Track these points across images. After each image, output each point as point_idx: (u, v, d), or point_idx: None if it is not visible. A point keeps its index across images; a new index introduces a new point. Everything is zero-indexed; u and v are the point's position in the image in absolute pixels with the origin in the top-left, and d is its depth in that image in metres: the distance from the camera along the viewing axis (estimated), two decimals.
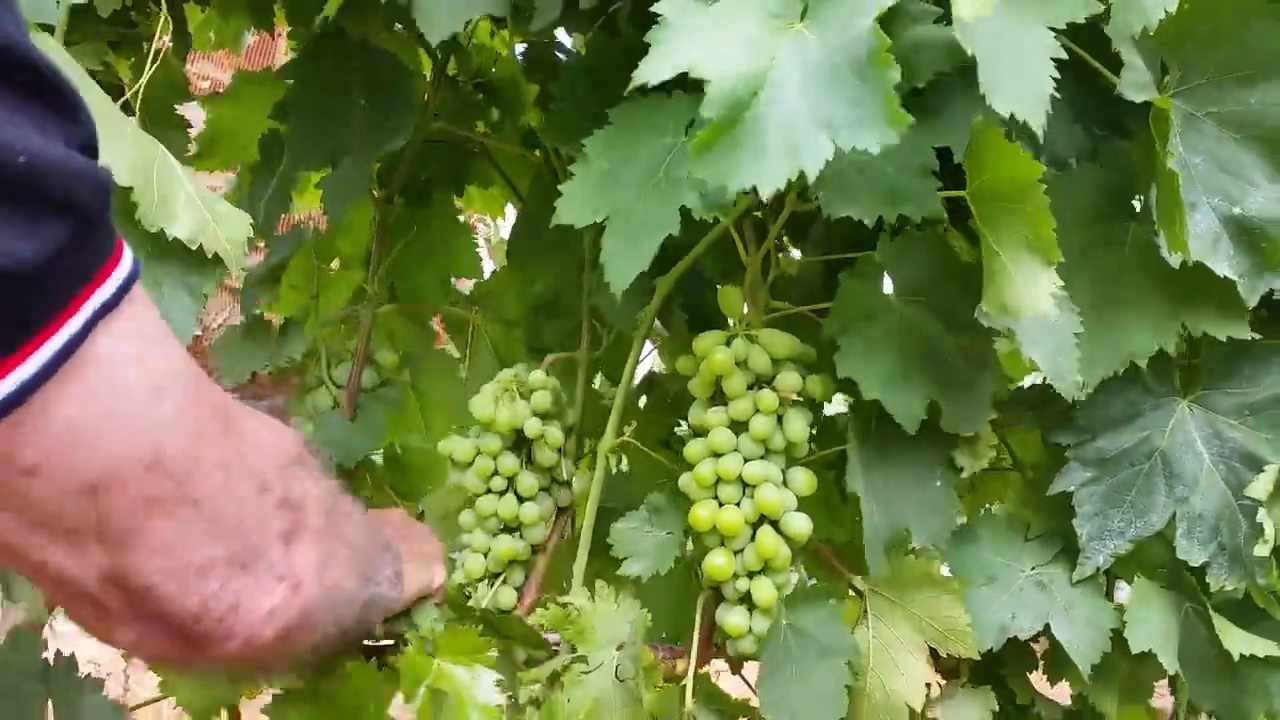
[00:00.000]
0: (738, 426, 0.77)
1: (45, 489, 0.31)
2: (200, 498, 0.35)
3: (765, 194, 0.51)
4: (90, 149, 0.31)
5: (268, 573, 0.38)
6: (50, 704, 0.71)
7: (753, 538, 0.76)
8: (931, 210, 0.64)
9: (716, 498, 0.76)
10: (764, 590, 0.75)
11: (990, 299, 0.61)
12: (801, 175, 0.50)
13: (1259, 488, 0.70)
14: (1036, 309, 0.58)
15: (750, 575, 0.76)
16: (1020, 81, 0.54)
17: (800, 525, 0.75)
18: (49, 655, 0.72)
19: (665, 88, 0.71)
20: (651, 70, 0.54)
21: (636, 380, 1.03)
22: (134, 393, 0.33)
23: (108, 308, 0.31)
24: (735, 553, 0.76)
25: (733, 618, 0.77)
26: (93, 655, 0.92)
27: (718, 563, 0.76)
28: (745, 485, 0.76)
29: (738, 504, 0.76)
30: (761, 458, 0.76)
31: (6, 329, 0.29)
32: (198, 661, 0.37)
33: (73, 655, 0.72)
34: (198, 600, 0.36)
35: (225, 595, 0.37)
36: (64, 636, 0.79)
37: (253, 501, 0.38)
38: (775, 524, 0.76)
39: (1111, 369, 0.72)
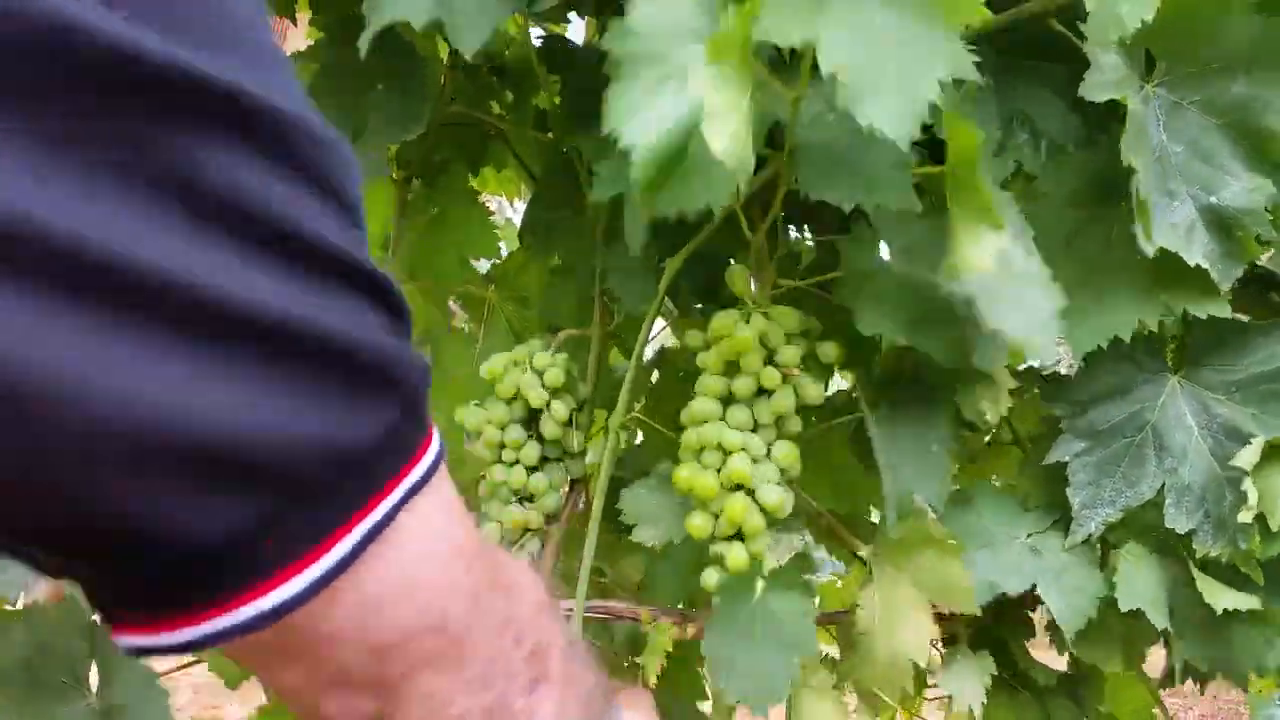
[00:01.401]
0: (735, 398, 0.79)
1: (335, 650, 0.33)
2: (469, 656, 0.36)
3: (718, 210, 0.53)
4: (407, 322, 0.33)
5: (517, 716, 0.39)
6: (94, 662, 0.75)
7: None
8: (906, 202, 0.66)
9: (699, 462, 0.79)
10: (735, 554, 0.77)
11: (947, 263, 0.63)
12: (792, 156, 0.53)
13: (1245, 457, 0.72)
14: (976, 266, 0.58)
15: (727, 540, 0.79)
16: (886, 100, 0.52)
17: (773, 497, 0.77)
18: (95, 616, 0.77)
19: None
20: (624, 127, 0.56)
21: (648, 356, 1.06)
22: (430, 566, 0.34)
23: (416, 488, 0.33)
24: (714, 516, 0.79)
25: (709, 576, 0.79)
26: None
27: (695, 522, 0.78)
28: (725, 453, 0.78)
29: (718, 470, 0.78)
30: (752, 430, 0.79)
31: (331, 508, 0.30)
32: None
33: None
34: None
35: None
36: None
37: (509, 657, 0.39)
38: (752, 493, 0.78)
39: (1096, 343, 0.74)
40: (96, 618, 0.77)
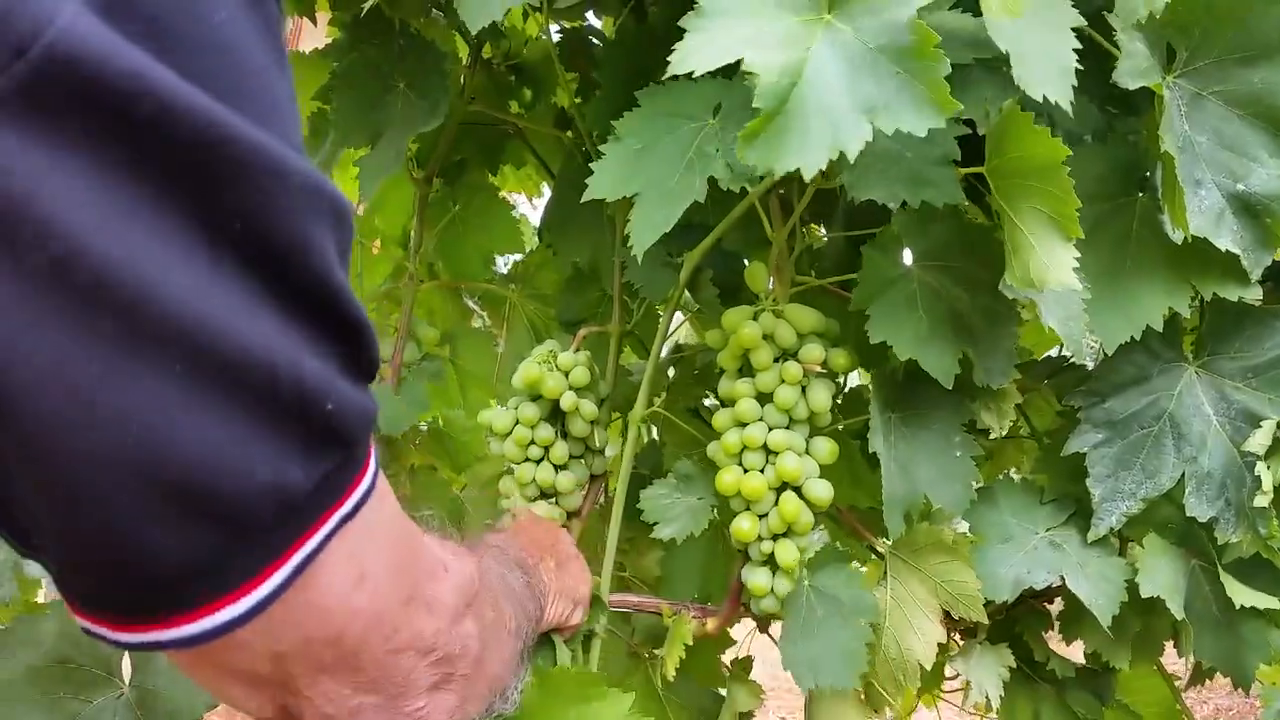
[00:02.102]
0: (763, 397, 0.80)
1: (244, 656, 0.36)
2: (365, 667, 0.40)
3: (809, 175, 0.54)
4: (373, 370, 0.35)
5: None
6: (126, 654, 0.77)
7: (776, 502, 0.79)
8: (952, 197, 0.67)
9: (741, 464, 0.80)
10: (786, 552, 0.79)
11: (1015, 272, 0.64)
12: (842, 157, 0.54)
13: (1256, 442, 0.73)
14: (1061, 281, 0.62)
15: (774, 538, 0.80)
16: (1047, 66, 0.57)
17: (821, 491, 0.79)
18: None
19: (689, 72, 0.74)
20: (693, 60, 0.57)
21: (665, 352, 1.07)
22: (337, 589, 0.37)
23: (345, 520, 0.35)
24: (760, 516, 0.80)
25: (757, 578, 0.81)
26: None
27: (743, 526, 0.79)
28: (769, 452, 0.80)
29: (761, 470, 0.79)
30: (786, 427, 0.80)
31: (270, 544, 0.32)
32: None
33: None
34: None
35: None
36: None
37: (410, 667, 0.42)
38: (798, 489, 0.79)
39: (1128, 334, 0.75)
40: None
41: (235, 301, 0.29)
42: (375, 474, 0.37)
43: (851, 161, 0.53)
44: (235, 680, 0.38)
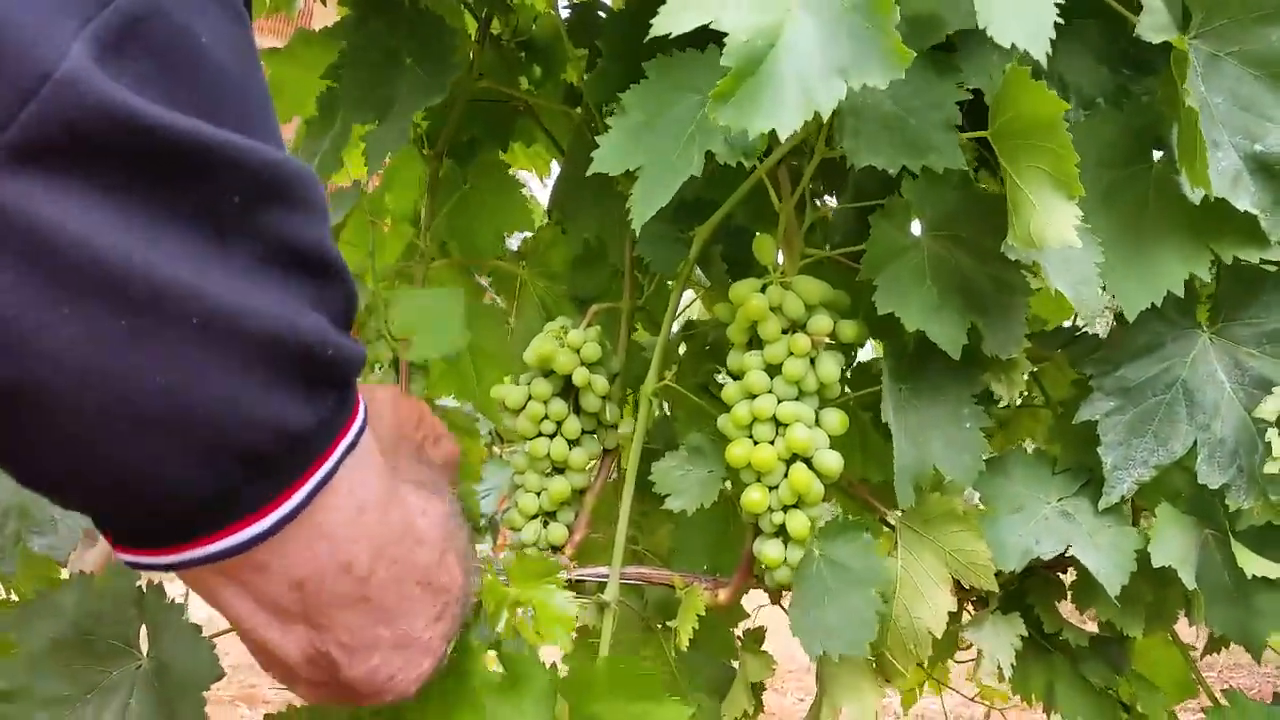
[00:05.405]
0: (772, 369, 0.80)
1: (270, 584, 0.41)
2: (374, 596, 0.45)
3: (784, 135, 0.53)
4: (353, 315, 0.40)
5: (420, 651, 0.49)
6: (144, 627, 0.78)
7: (786, 474, 0.79)
8: (954, 162, 0.66)
9: (752, 437, 0.80)
10: (798, 522, 0.79)
11: (1016, 232, 0.64)
12: (817, 116, 0.53)
13: (1269, 408, 0.72)
14: (1061, 239, 0.61)
15: (785, 509, 0.80)
16: (1020, 14, 0.56)
17: (831, 462, 0.79)
18: (141, 584, 0.79)
19: (700, 44, 0.74)
20: (670, 22, 0.57)
21: (676, 327, 1.07)
22: (343, 515, 0.42)
23: (348, 451, 0.40)
24: (770, 488, 0.80)
25: (769, 549, 0.81)
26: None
27: (754, 497, 0.80)
28: (779, 424, 0.80)
29: (771, 442, 0.79)
30: (795, 399, 0.80)
31: (281, 475, 0.38)
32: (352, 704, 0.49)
33: (160, 584, 0.79)
34: (365, 670, 0.47)
35: (385, 669, 0.47)
36: None
37: (415, 597, 0.48)
38: (808, 461, 0.80)
39: (1149, 300, 0.74)
40: (142, 584, 0.80)
41: (243, 274, 0.34)
42: (365, 415, 0.42)
43: (825, 120, 0.53)
44: (265, 611, 0.43)
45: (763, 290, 0.80)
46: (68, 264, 0.30)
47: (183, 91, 0.32)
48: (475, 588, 0.60)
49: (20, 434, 0.33)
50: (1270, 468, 0.71)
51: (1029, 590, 0.89)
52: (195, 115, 0.32)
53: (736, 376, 0.83)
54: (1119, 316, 0.76)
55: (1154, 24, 0.64)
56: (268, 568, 0.40)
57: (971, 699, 1.70)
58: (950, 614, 0.79)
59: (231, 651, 0.79)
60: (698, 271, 0.93)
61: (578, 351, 0.91)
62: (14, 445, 0.33)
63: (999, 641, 0.84)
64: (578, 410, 0.93)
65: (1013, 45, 0.55)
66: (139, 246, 0.31)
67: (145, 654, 0.78)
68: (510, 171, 1.17)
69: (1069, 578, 0.89)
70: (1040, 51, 0.56)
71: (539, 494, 0.93)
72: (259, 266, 0.34)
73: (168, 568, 0.39)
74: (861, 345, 0.88)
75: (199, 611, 0.82)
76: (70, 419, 0.32)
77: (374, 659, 0.46)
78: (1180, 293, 0.74)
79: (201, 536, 0.37)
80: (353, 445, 0.41)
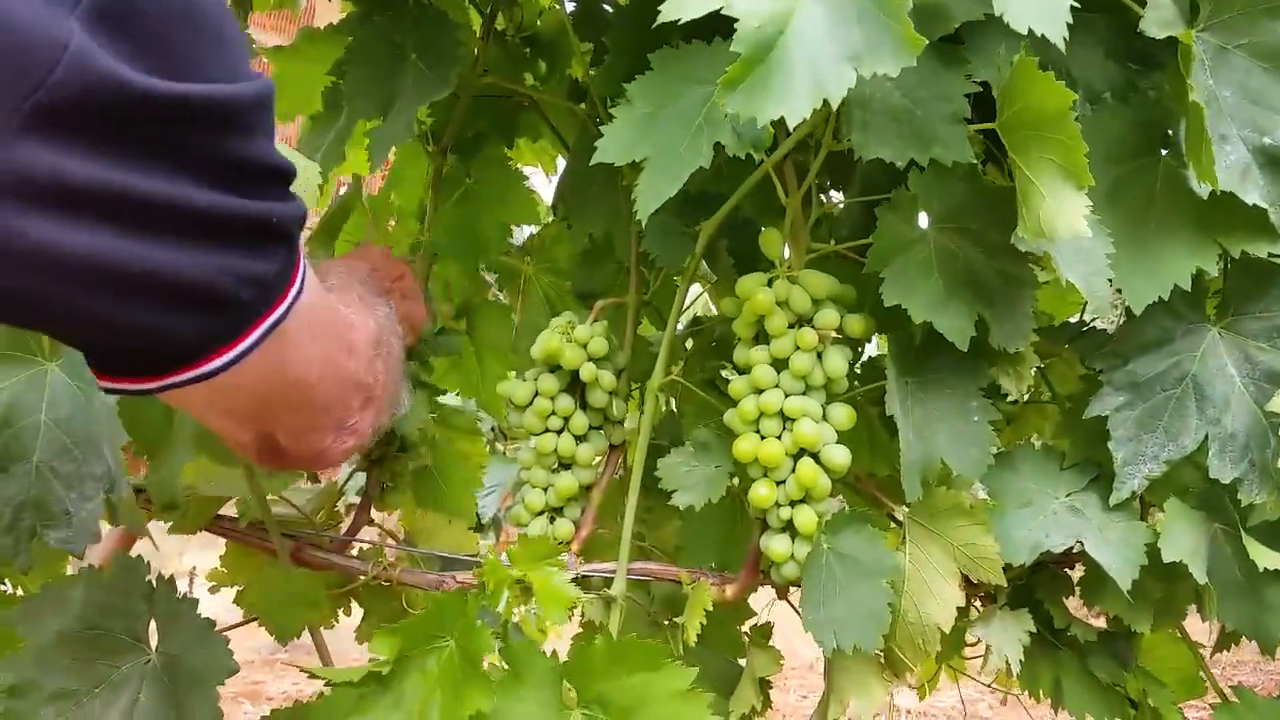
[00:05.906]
0: (779, 364, 0.80)
1: (234, 398, 0.52)
2: (317, 399, 0.58)
3: (793, 122, 0.53)
4: (291, 178, 0.48)
5: (349, 432, 0.64)
6: (153, 621, 0.78)
7: (793, 469, 0.79)
8: (962, 154, 0.66)
9: (759, 432, 0.80)
10: (805, 517, 0.79)
11: (1026, 224, 0.64)
12: (825, 107, 0.53)
13: (1279, 402, 0.72)
14: (1072, 229, 0.61)
15: (792, 504, 0.80)
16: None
17: (839, 456, 0.79)
18: (151, 579, 0.80)
19: (707, 36, 0.74)
20: (679, 7, 0.57)
21: (682, 323, 1.07)
22: (299, 345, 0.52)
23: (299, 294, 0.49)
24: (778, 483, 0.80)
25: (776, 545, 0.81)
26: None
27: (761, 492, 0.79)
28: (786, 419, 0.80)
29: (779, 437, 0.79)
30: (802, 393, 0.80)
31: (250, 311, 0.47)
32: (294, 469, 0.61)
33: (171, 577, 0.79)
34: (306, 449, 0.62)
35: (319, 445, 0.62)
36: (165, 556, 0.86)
37: (350, 394, 0.62)
38: (815, 456, 0.79)
39: (1156, 294, 0.74)
40: (151, 579, 0.80)
41: (209, 184, 0.42)
42: (305, 263, 0.51)
43: (835, 108, 0.53)
44: (229, 416, 0.56)
45: (769, 285, 0.80)
46: (81, 193, 0.38)
47: (158, 54, 0.39)
48: (406, 394, 0.77)
49: (41, 304, 0.41)
50: None
51: (1037, 585, 0.88)
52: (168, 74, 0.39)
53: (743, 371, 0.82)
54: (1128, 311, 0.76)
55: (1159, 19, 0.63)
56: (234, 386, 0.49)
57: (988, 685, 1.69)
58: (958, 609, 0.79)
59: (236, 649, 0.79)
60: (704, 266, 0.92)
61: (584, 347, 0.91)
62: (34, 305, 0.41)
63: (1007, 637, 0.83)
64: (584, 406, 0.93)
65: (1028, 32, 0.55)
66: (132, 177, 0.39)
67: (154, 649, 0.78)
68: (514, 167, 1.17)
69: (1077, 573, 0.89)
70: (1058, 36, 0.55)
71: (546, 490, 0.93)
72: (222, 176, 0.43)
73: (150, 391, 0.48)
74: (869, 339, 0.87)
75: (206, 608, 0.82)
76: (83, 292, 0.40)
77: (310, 441, 0.61)
78: (1187, 287, 0.73)
79: (184, 365, 0.47)
80: (301, 288, 0.49)
